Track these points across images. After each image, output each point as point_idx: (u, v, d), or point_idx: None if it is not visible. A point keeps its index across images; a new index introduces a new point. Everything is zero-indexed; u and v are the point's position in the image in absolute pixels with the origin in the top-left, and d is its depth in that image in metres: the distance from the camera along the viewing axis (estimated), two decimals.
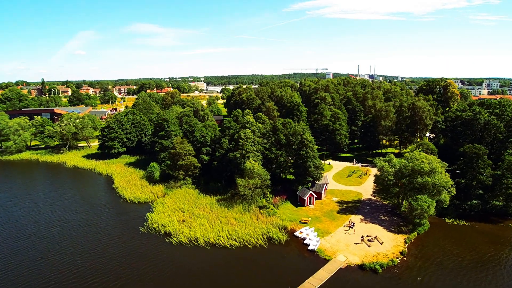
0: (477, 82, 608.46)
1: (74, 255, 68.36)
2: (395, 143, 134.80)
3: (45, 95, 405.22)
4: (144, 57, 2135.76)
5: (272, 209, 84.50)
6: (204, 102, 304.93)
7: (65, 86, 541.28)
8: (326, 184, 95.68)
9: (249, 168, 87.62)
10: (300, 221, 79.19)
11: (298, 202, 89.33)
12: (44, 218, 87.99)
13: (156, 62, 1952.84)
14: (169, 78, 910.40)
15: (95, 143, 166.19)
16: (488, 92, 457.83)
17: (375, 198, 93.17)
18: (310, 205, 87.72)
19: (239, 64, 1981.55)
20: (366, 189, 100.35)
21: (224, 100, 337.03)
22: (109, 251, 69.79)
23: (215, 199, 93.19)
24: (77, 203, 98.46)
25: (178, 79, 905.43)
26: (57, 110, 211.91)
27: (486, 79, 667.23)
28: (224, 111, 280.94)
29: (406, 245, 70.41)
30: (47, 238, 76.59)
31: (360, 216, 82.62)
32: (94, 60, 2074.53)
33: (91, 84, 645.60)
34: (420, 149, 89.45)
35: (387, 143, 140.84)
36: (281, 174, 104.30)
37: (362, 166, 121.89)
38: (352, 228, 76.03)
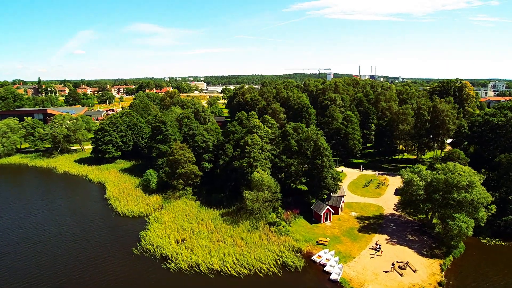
0: (481, 84, 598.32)
1: (54, 280, 58.21)
2: (411, 148, 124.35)
3: (41, 95, 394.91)
4: (143, 57, 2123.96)
5: (283, 226, 74.05)
6: (204, 103, 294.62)
7: (63, 85, 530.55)
8: (343, 197, 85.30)
9: (258, 179, 77.20)
10: (317, 242, 68.76)
11: (313, 217, 78.90)
12: (24, 232, 78.25)
13: (155, 61, 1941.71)
14: (169, 77, 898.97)
15: (89, 146, 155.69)
16: (495, 93, 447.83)
17: (398, 213, 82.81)
18: (326, 222, 77.27)
19: (239, 64, 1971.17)
20: (386, 202, 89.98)
21: (225, 101, 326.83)
22: (95, 277, 59.60)
23: (219, 213, 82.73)
24: (63, 215, 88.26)
25: (178, 78, 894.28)
26: (50, 110, 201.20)
27: (489, 80, 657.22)
28: (225, 112, 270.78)
29: (443, 272, 60.09)
30: (24, 257, 66.83)
31: (385, 236, 72.19)
32: (93, 60, 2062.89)
33: (89, 83, 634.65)
34: (446, 157, 79.33)
35: (403, 148, 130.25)
36: (292, 184, 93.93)
37: (379, 174, 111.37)
38: (378, 251, 65.64)
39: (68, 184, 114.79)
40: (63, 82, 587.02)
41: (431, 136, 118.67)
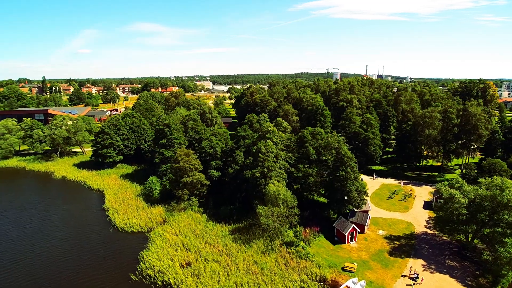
0: (494, 84, 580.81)
1: None
2: (436, 155, 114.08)
3: (46, 94, 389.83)
4: (148, 56, 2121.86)
5: (303, 247, 64.68)
6: (210, 103, 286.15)
7: (68, 84, 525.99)
8: (369, 212, 75.69)
9: (273, 192, 67.87)
10: (343, 268, 59.27)
11: (336, 237, 69.37)
12: (8, 247, 70.30)
13: (160, 61, 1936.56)
14: (175, 77, 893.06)
15: (90, 149, 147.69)
16: (509, 94, 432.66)
17: (432, 232, 72.98)
18: (351, 242, 67.71)
19: (244, 64, 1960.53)
20: (416, 218, 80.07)
21: (232, 101, 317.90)
22: None
23: (228, 229, 73.60)
24: (56, 226, 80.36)
25: (183, 78, 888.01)
26: (51, 110, 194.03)
27: (499, 80, 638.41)
28: (232, 112, 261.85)
29: None
30: (5, 278, 58.51)
31: (421, 261, 62.45)
32: (98, 59, 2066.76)
33: (95, 82, 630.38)
34: (485, 168, 69.31)
35: (425, 153, 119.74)
36: (309, 196, 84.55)
37: (404, 184, 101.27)
38: (416, 280, 56.05)
39: (65, 191, 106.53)
40: (69, 81, 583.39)
41: (459, 142, 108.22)
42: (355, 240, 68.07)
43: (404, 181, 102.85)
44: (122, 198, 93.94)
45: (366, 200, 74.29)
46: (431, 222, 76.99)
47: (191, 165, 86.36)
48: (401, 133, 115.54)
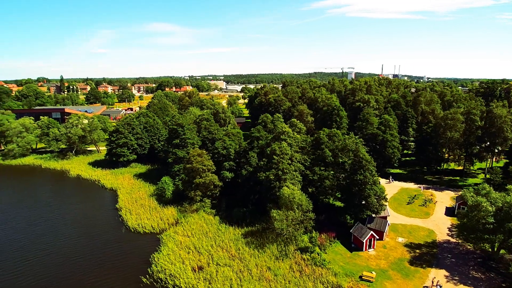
0: None
1: None
2: (458, 158, 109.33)
3: (63, 93, 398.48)
4: (162, 56, 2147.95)
5: (318, 253, 62.25)
6: (224, 102, 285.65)
7: (85, 83, 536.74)
8: (388, 218, 72.54)
9: (287, 196, 65.72)
10: (360, 278, 56.57)
11: (353, 243, 66.62)
12: (21, 245, 70.63)
13: (173, 60, 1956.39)
14: (189, 76, 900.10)
15: (105, 147, 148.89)
16: None
17: (455, 240, 69.27)
18: (369, 250, 64.83)
19: (258, 63, 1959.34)
20: (438, 225, 76.34)
21: (245, 100, 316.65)
22: None
23: (241, 232, 71.83)
24: (69, 225, 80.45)
25: (197, 77, 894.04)
26: (68, 109, 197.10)
27: None
28: (245, 112, 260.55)
29: None
30: (15, 278, 58.11)
31: (444, 271, 59.04)
32: (115, 58, 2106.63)
33: (111, 81, 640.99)
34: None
35: (447, 156, 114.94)
36: (324, 199, 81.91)
37: (424, 188, 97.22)
38: None
39: (79, 190, 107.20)
40: (86, 80, 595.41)
41: (483, 145, 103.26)
42: (373, 248, 65.15)
43: (424, 185, 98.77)
44: (135, 198, 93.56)
45: (385, 205, 71.11)
46: (454, 229, 73.33)
47: (204, 166, 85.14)
48: (421, 135, 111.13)
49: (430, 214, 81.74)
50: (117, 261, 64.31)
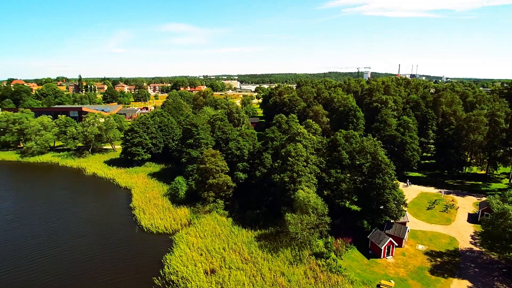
0: None
1: None
2: (480, 162, 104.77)
3: (81, 92, 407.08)
4: (177, 55, 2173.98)
5: (334, 259, 60.19)
6: (238, 102, 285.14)
7: (103, 83, 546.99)
8: (407, 224, 69.70)
9: (302, 199, 63.91)
10: (378, 286, 54.26)
11: (370, 250, 64.20)
12: (36, 242, 71.45)
13: (188, 60, 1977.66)
14: (203, 76, 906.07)
15: (120, 146, 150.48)
16: None
17: (478, 249, 65.86)
18: (387, 257, 62.28)
19: (271, 63, 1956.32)
20: (460, 232, 72.89)
21: (259, 100, 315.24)
22: None
23: (254, 235, 70.45)
24: (83, 223, 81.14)
25: (212, 77, 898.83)
26: (85, 108, 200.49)
27: None
28: (259, 112, 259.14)
29: None
30: (29, 275, 58.47)
31: (467, 282, 56.03)
32: (131, 58, 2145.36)
33: (127, 81, 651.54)
34: None
35: (469, 159, 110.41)
36: (340, 203, 79.62)
37: (445, 193, 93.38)
38: None
39: (94, 188, 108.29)
40: (103, 80, 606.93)
41: (508, 148, 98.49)
42: (391, 255, 62.57)
43: (445, 190, 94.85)
44: (148, 198, 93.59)
45: (405, 211, 68.27)
46: (477, 237, 69.75)
47: (217, 166, 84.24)
48: (442, 138, 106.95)
49: (451, 221, 78.23)
50: (130, 261, 64.07)
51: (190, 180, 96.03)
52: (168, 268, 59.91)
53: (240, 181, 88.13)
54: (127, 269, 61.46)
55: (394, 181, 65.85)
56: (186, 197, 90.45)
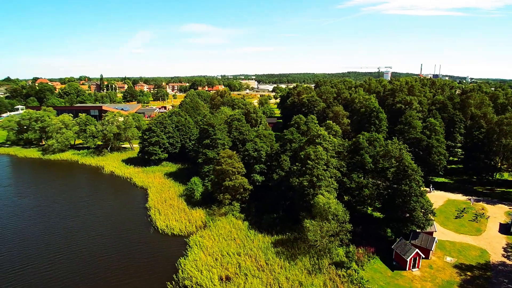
0: None
1: None
2: (510, 167, 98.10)
3: (102, 91, 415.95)
4: (195, 55, 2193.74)
5: (355, 270, 56.90)
6: (255, 102, 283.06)
7: (123, 82, 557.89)
8: (434, 234, 65.40)
9: (322, 205, 60.89)
10: None
11: (394, 261, 60.42)
12: (54, 240, 72.10)
13: (207, 60, 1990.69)
14: (221, 75, 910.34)
15: (138, 145, 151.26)
16: None
17: (511, 263, 60.87)
18: (413, 269, 58.36)
19: (289, 63, 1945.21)
20: (491, 244, 67.82)
21: (277, 100, 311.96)
22: None
23: (271, 241, 67.95)
24: (99, 222, 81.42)
25: (229, 77, 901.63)
26: (105, 107, 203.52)
27: None
28: (277, 112, 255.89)
29: None
30: (46, 274, 58.35)
31: None
32: (151, 58, 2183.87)
33: (147, 80, 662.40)
34: None
35: (500, 165, 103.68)
36: (362, 209, 75.97)
37: (474, 201, 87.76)
38: None
39: (111, 187, 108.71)
40: (124, 79, 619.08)
41: None
42: (417, 267, 58.59)
43: (474, 198, 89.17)
44: (164, 198, 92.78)
45: (433, 220, 63.99)
46: (510, 250, 64.92)
47: (234, 168, 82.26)
48: (471, 141, 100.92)
49: (482, 231, 73.07)
50: (144, 263, 63.02)
51: (206, 181, 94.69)
52: (182, 273, 58.29)
53: (257, 183, 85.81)
54: (141, 272, 60.44)
55: (422, 188, 61.72)
56: (201, 199, 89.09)
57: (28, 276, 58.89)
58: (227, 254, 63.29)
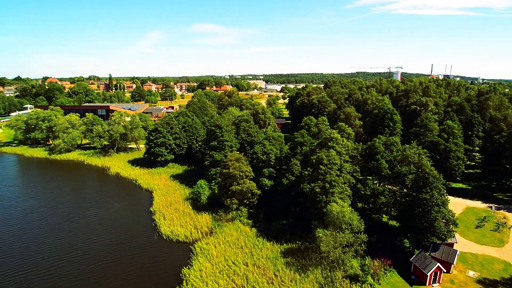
0: None
1: None
2: None
3: (111, 90, 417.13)
4: (204, 55, 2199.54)
5: (371, 285, 53.06)
6: (263, 102, 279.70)
7: (132, 82, 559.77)
8: (455, 246, 61.10)
9: (336, 214, 57.18)
10: None
11: (413, 274, 56.36)
12: (56, 243, 70.18)
13: (215, 60, 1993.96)
14: (229, 75, 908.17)
15: (144, 146, 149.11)
16: None
17: None
18: (434, 284, 54.23)
19: (297, 63, 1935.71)
20: None
21: (285, 100, 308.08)
22: None
23: (280, 249, 64.47)
24: (102, 225, 79.24)
25: (237, 76, 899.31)
26: (112, 107, 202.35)
27: None
28: (285, 112, 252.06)
29: None
30: (48, 278, 55.79)
31: None
32: (160, 58, 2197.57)
33: (155, 80, 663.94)
34: None
35: None
36: (378, 217, 71.92)
37: (496, 209, 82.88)
38: None
39: (116, 189, 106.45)
40: (132, 79, 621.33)
41: None
42: (438, 282, 54.46)
43: (495, 205, 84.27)
44: (169, 201, 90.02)
45: (454, 231, 59.70)
46: None
47: (241, 172, 79.02)
48: (492, 145, 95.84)
49: (505, 242, 68.41)
50: (147, 271, 60.16)
51: (213, 184, 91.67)
52: (187, 284, 55.17)
53: (266, 188, 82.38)
54: (144, 280, 57.68)
55: (444, 197, 57.50)
56: (208, 203, 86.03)
57: (30, 280, 56.97)
58: (233, 263, 60.01)
